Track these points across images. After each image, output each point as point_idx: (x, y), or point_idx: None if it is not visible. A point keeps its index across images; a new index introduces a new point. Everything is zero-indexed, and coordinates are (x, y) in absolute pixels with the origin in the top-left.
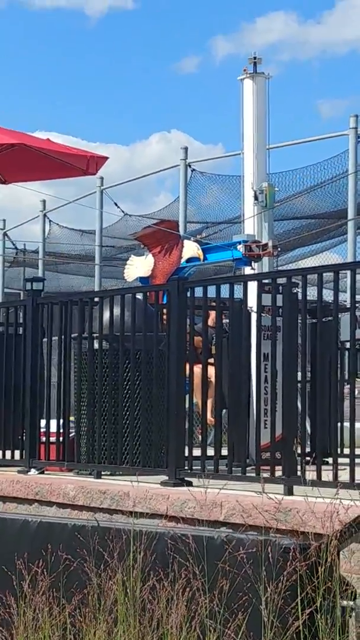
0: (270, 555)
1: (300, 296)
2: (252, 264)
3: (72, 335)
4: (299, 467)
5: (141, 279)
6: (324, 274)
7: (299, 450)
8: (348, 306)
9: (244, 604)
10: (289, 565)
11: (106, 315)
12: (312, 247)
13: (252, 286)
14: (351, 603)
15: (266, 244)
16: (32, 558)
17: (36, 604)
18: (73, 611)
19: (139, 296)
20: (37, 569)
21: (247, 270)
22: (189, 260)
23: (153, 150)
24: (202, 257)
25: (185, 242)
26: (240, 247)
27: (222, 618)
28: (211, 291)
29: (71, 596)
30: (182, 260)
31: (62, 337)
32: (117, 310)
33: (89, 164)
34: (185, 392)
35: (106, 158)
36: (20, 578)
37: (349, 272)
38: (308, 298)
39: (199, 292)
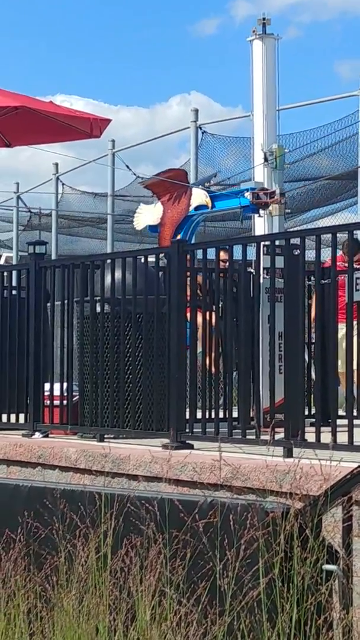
0: (255, 519)
1: (302, 257)
2: (260, 211)
3: (75, 299)
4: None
5: (150, 227)
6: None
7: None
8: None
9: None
10: (251, 531)
11: (108, 278)
12: (328, 207)
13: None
14: (333, 567)
15: (274, 192)
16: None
17: (9, 572)
18: (45, 579)
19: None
20: (14, 536)
21: (257, 225)
22: (197, 208)
23: (173, 112)
24: (210, 205)
25: (194, 190)
26: (248, 195)
27: (185, 588)
28: (211, 254)
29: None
30: (191, 208)
31: (65, 300)
32: (119, 274)
33: (93, 127)
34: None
35: (109, 120)
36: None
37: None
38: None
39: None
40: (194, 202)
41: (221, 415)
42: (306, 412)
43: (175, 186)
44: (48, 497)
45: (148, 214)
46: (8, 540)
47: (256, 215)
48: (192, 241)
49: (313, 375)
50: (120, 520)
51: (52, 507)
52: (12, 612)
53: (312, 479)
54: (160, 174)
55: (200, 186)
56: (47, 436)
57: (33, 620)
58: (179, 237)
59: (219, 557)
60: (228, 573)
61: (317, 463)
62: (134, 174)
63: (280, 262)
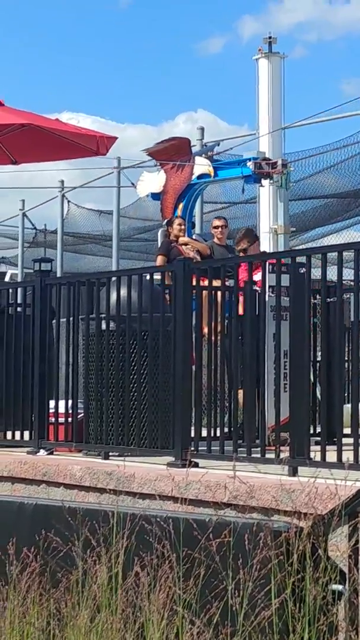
0: (262, 539)
1: (307, 276)
2: (262, 181)
3: (80, 316)
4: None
5: (152, 194)
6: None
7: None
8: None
9: (226, 592)
10: (264, 551)
11: (113, 296)
12: (333, 225)
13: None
14: (338, 587)
15: (275, 162)
16: (28, 541)
17: (23, 590)
18: (59, 597)
19: None
20: (29, 553)
21: (263, 244)
22: (200, 176)
23: (180, 130)
24: (212, 174)
25: (197, 158)
26: (250, 164)
27: (197, 607)
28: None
29: (59, 582)
30: (194, 177)
31: (70, 318)
32: (124, 291)
33: (99, 144)
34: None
35: (115, 138)
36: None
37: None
38: (329, 277)
39: None
40: (197, 171)
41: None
42: (311, 431)
43: (178, 155)
44: (53, 514)
45: (151, 182)
46: (14, 557)
47: (263, 239)
48: (195, 209)
49: (318, 394)
50: (132, 539)
51: (58, 525)
52: (26, 629)
53: (319, 498)
54: (164, 141)
55: (203, 155)
56: (51, 453)
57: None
58: (181, 205)
59: (230, 577)
60: (238, 593)
61: (323, 482)
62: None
63: (285, 280)
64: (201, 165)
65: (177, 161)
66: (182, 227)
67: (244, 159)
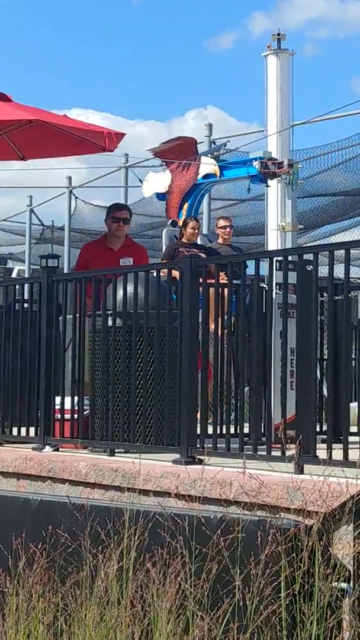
0: (264, 536)
1: (315, 273)
2: (268, 181)
3: (87, 313)
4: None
5: (157, 194)
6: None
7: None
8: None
9: (233, 588)
10: (271, 547)
11: (120, 292)
12: (342, 223)
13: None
14: (343, 585)
15: (282, 162)
16: (32, 537)
17: (30, 586)
18: (66, 593)
19: None
20: (36, 549)
21: (270, 241)
22: (205, 176)
23: (190, 127)
24: (218, 174)
25: (203, 158)
26: (256, 164)
27: (209, 603)
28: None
29: (67, 578)
30: (199, 177)
31: (77, 314)
32: (131, 288)
33: (107, 140)
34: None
35: (123, 134)
36: (18, 558)
37: None
38: (337, 275)
39: None
40: (203, 171)
41: (232, 430)
42: (317, 429)
43: (184, 154)
44: (57, 510)
45: (156, 182)
46: (18, 553)
47: (271, 236)
48: (202, 208)
49: (325, 392)
50: (144, 535)
51: (63, 522)
52: (33, 623)
53: (326, 496)
54: (170, 141)
55: (209, 155)
56: (57, 450)
57: (51, 635)
58: (186, 205)
59: (238, 573)
60: (245, 590)
61: (329, 480)
62: None
63: (293, 277)
64: (207, 165)
65: (183, 161)
66: (196, 231)
67: (250, 158)
